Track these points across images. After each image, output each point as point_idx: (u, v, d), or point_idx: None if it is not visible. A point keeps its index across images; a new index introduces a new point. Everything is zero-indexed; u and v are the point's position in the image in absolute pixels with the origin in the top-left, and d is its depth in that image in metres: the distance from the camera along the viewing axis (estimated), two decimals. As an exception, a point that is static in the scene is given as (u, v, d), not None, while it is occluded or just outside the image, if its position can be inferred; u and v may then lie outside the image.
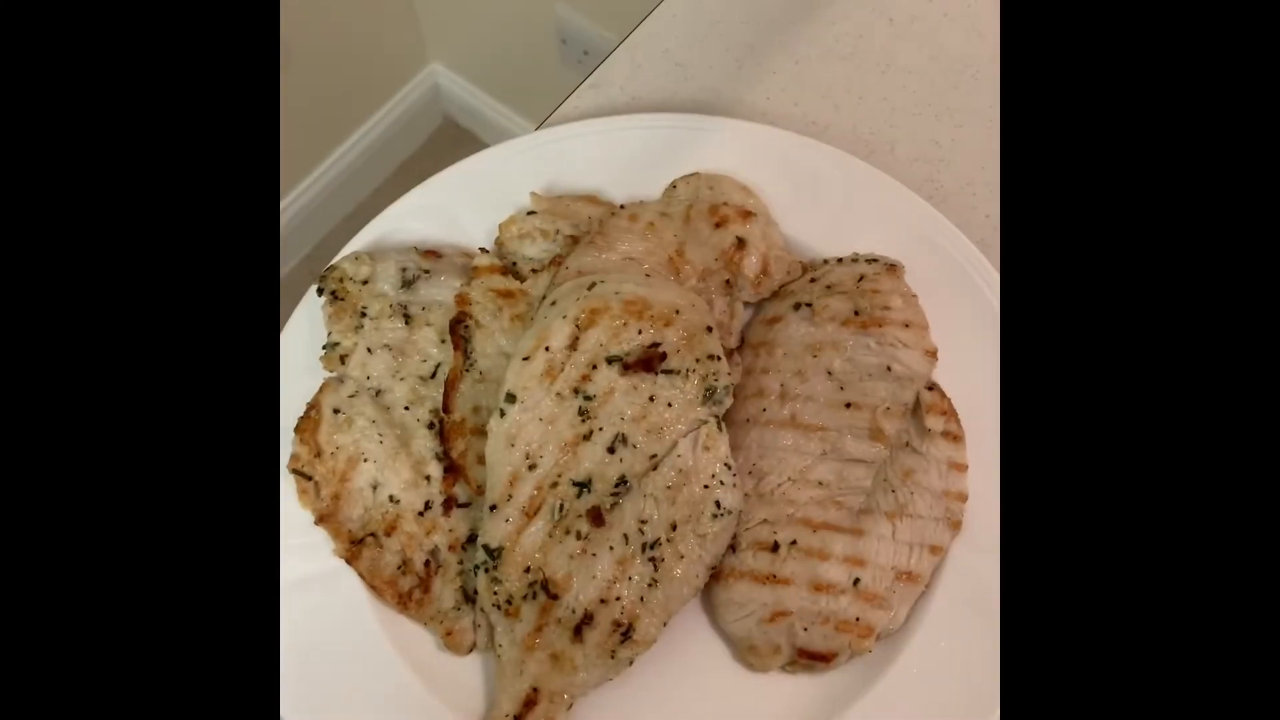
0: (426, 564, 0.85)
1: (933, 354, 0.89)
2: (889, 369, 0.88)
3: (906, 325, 0.90)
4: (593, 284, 0.87)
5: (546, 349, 0.84)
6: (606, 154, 1.02)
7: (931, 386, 0.89)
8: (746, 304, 0.96)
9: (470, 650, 0.84)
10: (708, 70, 1.13)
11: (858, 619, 0.80)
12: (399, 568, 0.85)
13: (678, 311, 0.86)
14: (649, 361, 0.84)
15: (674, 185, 0.99)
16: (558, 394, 0.83)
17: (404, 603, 0.84)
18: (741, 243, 0.94)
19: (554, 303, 0.87)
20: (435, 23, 2.30)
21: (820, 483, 0.86)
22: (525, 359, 0.84)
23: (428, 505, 0.86)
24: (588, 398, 0.83)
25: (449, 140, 2.48)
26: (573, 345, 0.84)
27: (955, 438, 0.86)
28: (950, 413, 0.87)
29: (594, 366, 0.84)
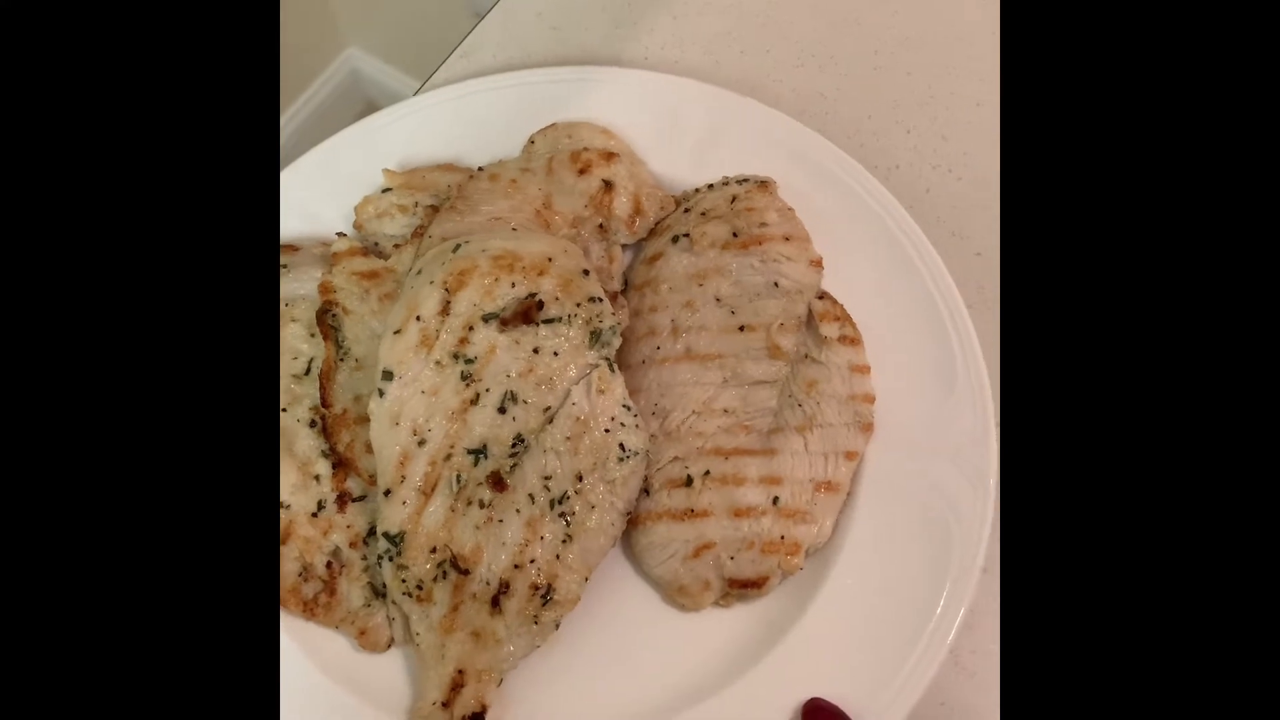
0: (329, 566, 0.80)
1: (817, 263, 0.87)
2: (776, 285, 0.86)
3: (787, 239, 0.88)
4: (457, 245, 0.83)
5: (418, 318, 0.80)
6: (461, 121, 0.98)
7: (821, 295, 0.87)
8: (625, 246, 0.92)
9: (389, 646, 0.79)
10: (584, 31, 1.10)
11: (783, 537, 0.78)
12: (299, 575, 0.79)
13: (550, 259, 0.82)
14: (527, 313, 0.80)
15: (532, 140, 0.96)
16: (436, 362, 0.79)
17: (310, 610, 0.79)
18: (609, 185, 0.91)
19: (419, 271, 0.83)
20: (348, 6, 2.26)
21: (726, 410, 0.83)
22: (397, 332, 0.80)
23: (320, 505, 0.81)
24: (469, 361, 0.79)
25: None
26: (444, 310, 0.80)
27: (852, 341, 0.84)
28: (844, 317, 0.85)
29: (470, 328, 0.80)
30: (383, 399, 0.79)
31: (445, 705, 0.73)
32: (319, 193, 0.94)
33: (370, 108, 1.00)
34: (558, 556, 0.76)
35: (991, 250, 0.94)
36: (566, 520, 0.76)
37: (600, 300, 0.81)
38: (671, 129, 0.96)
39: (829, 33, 1.07)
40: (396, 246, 0.89)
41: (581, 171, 0.91)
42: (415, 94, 1.04)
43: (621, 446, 0.78)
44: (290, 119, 2.30)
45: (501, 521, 0.76)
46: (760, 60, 1.06)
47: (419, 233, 0.89)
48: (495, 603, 0.75)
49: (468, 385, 0.79)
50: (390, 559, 0.77)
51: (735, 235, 0.88)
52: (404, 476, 0.77)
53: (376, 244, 0.91)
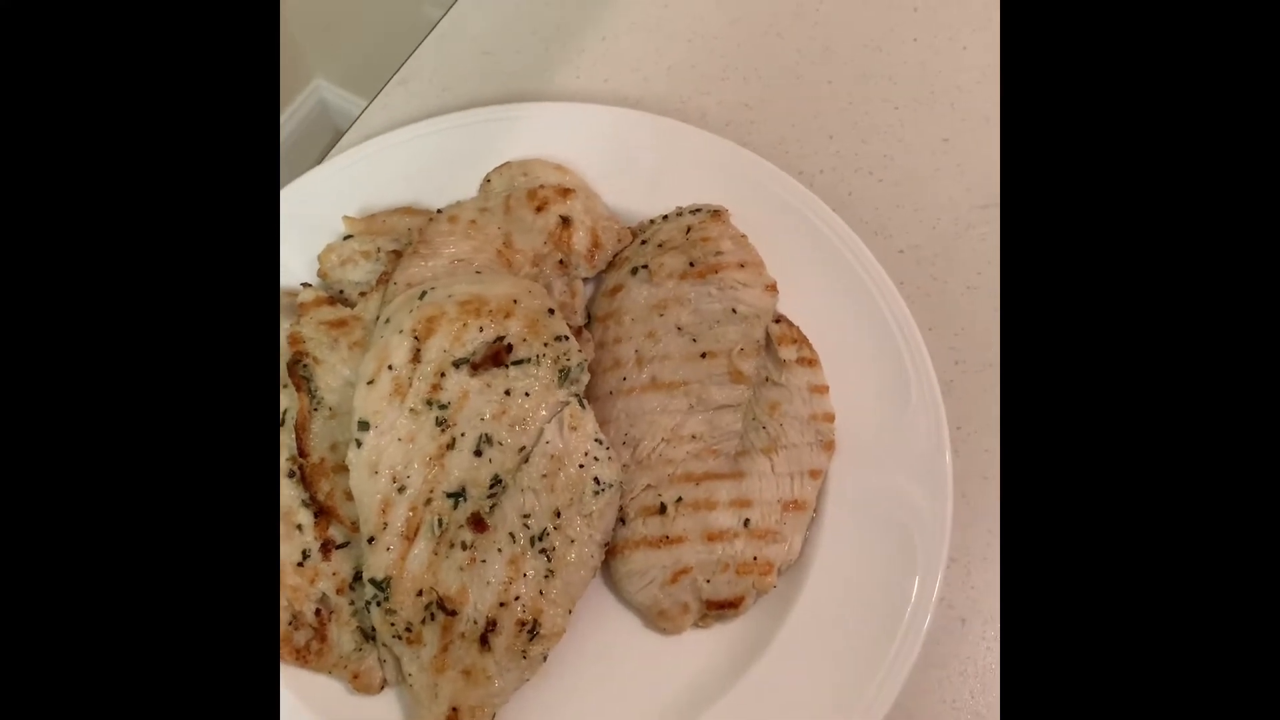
0: (318, 613, 0.82)
1: (772, 288, 0.91)
2: (734, 311, 0.89)
3: (742, 265, 0.91)
4: (423, 293, 0.85)
5: (390, 367, 0.82)
6: (416, 162, 1.00)
7: (778, 319, 0.90)
8: (585, 280, 0.95)
9: (382, 688, 0.81)
10: (515, 55, 1.12)
11: (755, 558, 0.81)
12: (290, 623, 0.81)
13: (516, 301, 0.85)
14: (496, 356, 0.82)
15: (488, 179, 0.98)
16: (411, 410, 0.81)
17: (303, 657, 0.81)
18: (566, 221, 0.93)
19: (388, 320, 0.85)
20: (313, 37, 2.26)
21: (693, 436, 0.86)
22: (370, 383, 0.82)
23: (305, 554, 0.83)
24: (442, 406, 0.81)
25: (341, 156, 2.44)
26: (415, 358, 0.82)
27: (810, 362, 0.88)
28: (801, 339, 0.89)
29: (442, 374, 0.82)
30: (360, 449, 0.81)
31: (442, 743, 0.76)
32: (280, 242, 0.95)
33: (338, 137, 1.02)
34: (541, 592, 0.79)
35: (912, 247, 0.98)
36: (547, 556, 0.79)
37: (567, 338, 0.84)
38: (622, 160, 0.99)
39: (751, 46, 1.11)
40: (362, 294, 0.90)
41: (539, 209, 0.94)
42: (350, 125, 1.05)
43: (596, 480, 0.81)
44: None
45: (484, 561, 0.79)
46: (686, 75, 1.09)
47: (384, 279, 0.90)
48: (484, 640, 0.78)
49: (443, 430, 0.81)
50: (379, 604, 0.79)
51: (692, 265, 0.91)
52: (386, 523, 0.80)
53: (342, 291, 0.92)
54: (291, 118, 2.38)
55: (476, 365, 0.82)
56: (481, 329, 0.83)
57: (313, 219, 0.96)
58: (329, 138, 2.50)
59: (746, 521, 0.82)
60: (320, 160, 1.01)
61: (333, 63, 2.36)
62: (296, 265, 0.95)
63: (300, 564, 0.83)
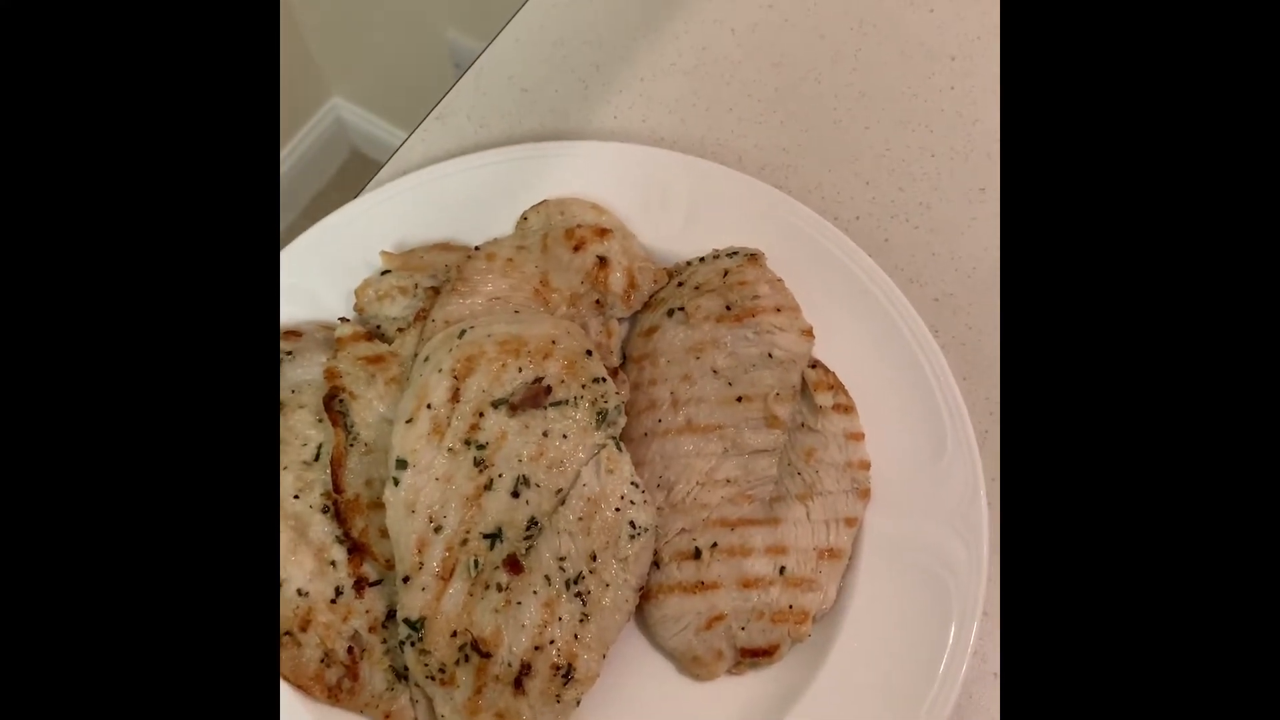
0: (350, 650, 0.82)
1: (809, 333, 0.91)
2: (770, 355, 0.89)
3: (778, 310, 0.91)
4: (463, 331, 0.85)
5: (429, 406, 0.82)
6: (453, 198, 1.01)
7: (814, 364, 0.90)
8: (621, 320, 0.95)
9: (413, 729, 0.81)
10: (554, 94, 1.12)
11: (791, 606, 0.81)
12: (321, 660, 0.81)
13: (554, 342, 0.85)
14: (535, 397, 0.83)
15: (525, 217, 0.98)
16: (449, 449, 0.81)
17: (334, 695, 0.81)
18: (603, 261, 0.94)
19: (426, 358, 0.85)
20: (332, 57, 2.31)
21: (728, 480, 0.86)
22: (409, 421, 0.82)
23: (339, 591, 0.83)
24: (480, 447, 0.81)
25: (357, 173, 2.49)
26: (454, 397, 0.82)
27: (846, 409, 0.88)
28: (837, 385, 0.89)
29: (480, 414, 0.82)
30: (398, 487, 0.81)
31: (474, 787, 0.76)
32: (317, 276, 0.96)
33: (355, 155, 1.03)
34: (576, 636, 0.78)
35: (947, 295, 0.99)
36: (582, 600, 0.79)
37: (604, 380, 0.84)
38: (658, 201, 0.99)
39: (789, 90, 1.12)
40: (400, 330, 0.91)
41: (576, 248, 0.94)
42: (389, 160, 1.06)
43: (632, 524, 0.81)
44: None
45: (520, 604, 0.79)
46: (724, 118, 1.10)
47: (421, 315, 0.91)
48: (518, 684, 0.77)
49: (481, 471, 0.81)
50: (412, 644, 0.79)
51: (729, 308, 0.91)
52: (422, 563, 0.79)
53: (379, 326, 0.92)
54: (309, 135, 2.41)
55: (515, 406, 0.82)
56: (521, 369, 0.83)
57: (350, 254, 0.96)
58: (345, 155, 2.53)
59: (782, 569, 0.82)
60: (335, 177, 1.02)
61: (350, 81, 2.40)
62: (333, 300, 0.95)
63: (333, 601, 0.82)
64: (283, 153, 2.35)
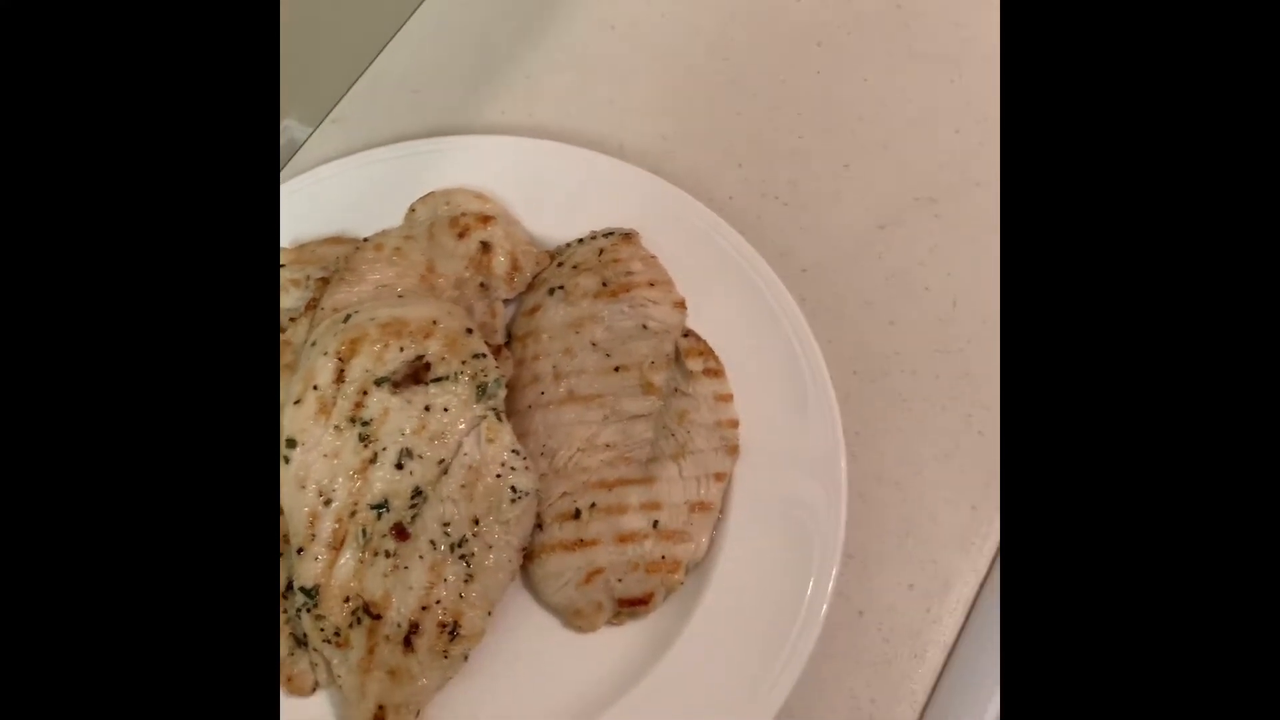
0: (250, 623, 0.86)
1: (681, 305, 0.97)
2: (645, 327, 0.95)
3: (651, 284, 0.97)
4: (348, 316, 0.90)
5: (315, 388, 0.87)
6: (345, 195, 1.05)
7: (687, 333, 0.96)
8: (506, 301, 1.01)
9: (314, 690, 0.85)
10: (443, 93, 1.18)
11: (664, 557, 0.87)
12: (223, 634, 0.85)
13: (435, 322, 0.90)
14: (416, 375, 0.88)
15: (413, 209, 1.03)
16: (335, 427, 0.86)
17: (236, 666, 0.85)
18: (487, 246, 0.99)
19: (314, 343, 0.90)
20: (285, 77, 2.29)
21: (608, 445, 0.92)
22: (297, 402, 0.87)
23: (238, 567, 0.87)
24: (365, 423, 0.86)
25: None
26: (339, 378, 0.87)
27: (716, 373, 0.94)
28: (707, 351, 0.95)
29: (364, 393, 0.87)
30: (289, 465, 0.85)
31: (368, 740, 0.81)
32: (215, 272, 1.00)
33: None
34: (461, 595, 0.84)
35: (815, 265, 1.05)
36: (467, 561, 0.84)
37: (484, 356, 0.89)
38: (540, 188, 1.05)
39: (667, 81, 1.18)
40: (292, 320, 0.95)
41: (461, 235, 0.99)
42: (285, 164, 1.11)
43: (513, 489, 0.86)
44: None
45: (407, 568, 0.84)
46: (605, 110, 1.16)
47: (312, 305, 0.95)
48: (407, 642, 0.82)
49: (366, 446, 0.86)
50: (308, 610, 0.83)
51: (605, 284, 0.97)
52: (314, 534, 0.84)
53: (273, 318, 0.97)
54: None
55: (398, 383, 0.87)
56: (402, 349, 0.88)
57: (246, 250, 1.01)
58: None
59: (656, 523, 0.88)
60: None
61: (303, 103, 2.41)
62: (230, 294, 0.99)
63: (233, 576, 0.87)
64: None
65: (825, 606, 0.85)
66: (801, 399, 0.93)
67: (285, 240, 1.02)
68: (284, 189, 1.05)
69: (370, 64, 1.20)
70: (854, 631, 0.89)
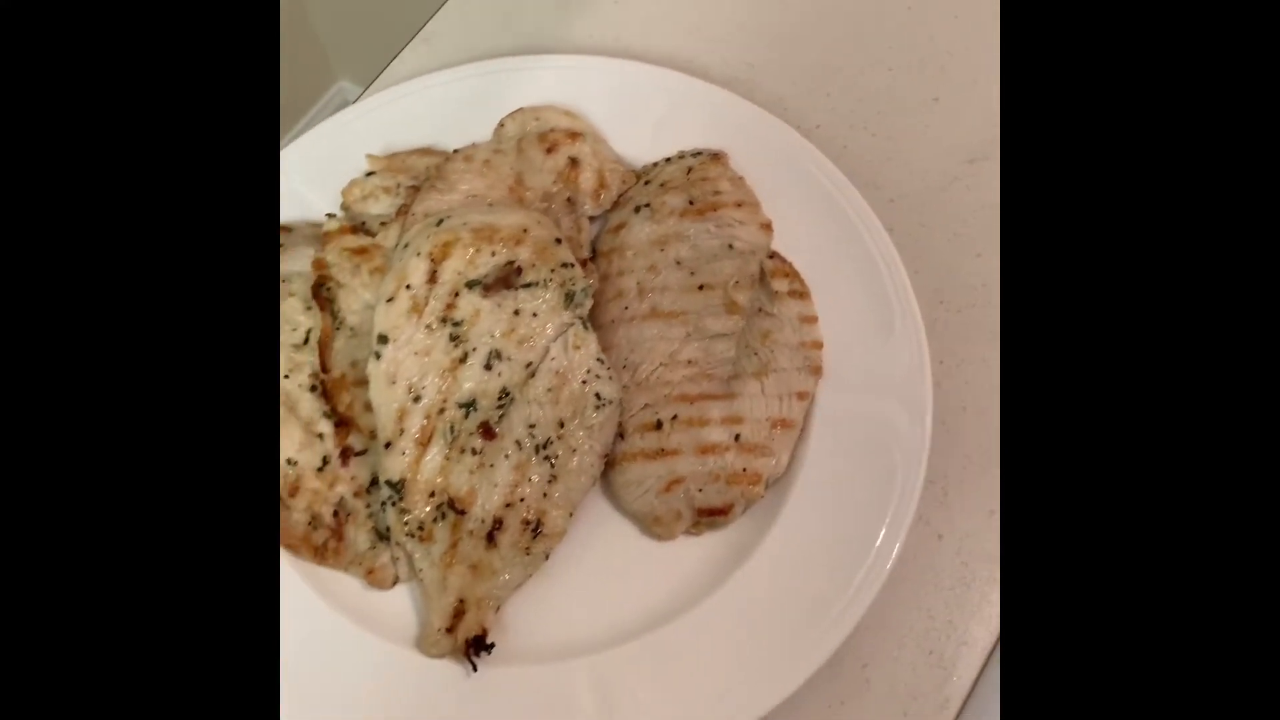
0: (335, 514, 0.88)
1: (768, 227, 0.96)
2: (731, 247, 0.95)
3: (739, 205, 0.97)
4: (440, 220, 0.91)
5: (408, 287, 0.88)
6: (435, 108, 1.06)
7: (772, 254, 0.96)
8: (592, 218, 1.01)
9: (395, 583, 0.87)
10: (534, 13, 1.18)
11: (744, 470, 0.87)
12: (309, 524, 0.87)
13: (525, 230, 0.91)
14: (507, 279, 0.88)
15: (502, 124, 1.04)
16: (427, 326, 0.87)
17: (320, 555, 0.87)
18: (575, 162, 0.99)
19: (406, 245, 0.91)
20: (337, 40, 2.35)
21: (690, 361, 0.92)
22: (389, 300, 0.88)
23: (325, 460, 0.89)
24: (456, 324, 0.87)
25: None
26: (432, 279, 0.88)
27: (801, 295, 0.94)
28: (793, 274, 0.95)
29: (456, 294, 0.88)
30: (379, 361, 0.87)
31: (449, 631, 0.82)
32: (307, 180, 1.02)
33: None
34: (545, 495, 0.85)
35: (902, 197, 1.04)
36: (551, 463, 0.85)
37: (572, 265, 0.90)
38: (629, 109, 1.05)
39: (754, 9, 1.17)
40: (383, 224, 0.96)
41: (549, 150, 1.00)
42: (376, 78, 1.12)
43: (597, 396, 0.87)
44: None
45: (493, 466, 0.85)
46: (693, 35, 1.16)
47: (403, 211, 0.97)
48: (490, 538, 0.83)
49: (456, 346, 0.87)
50: (393, 504, 0.85)
51: (692, 203, 0.97)
52: (403, 430, 0.86)
53: (364, 223, 0.98)
54: (315, 119, 2.46)
55: (488, 287, 0.88)
56: (493, 254, 0.89)
57: (338, 158, 1.02)
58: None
59: (737, 436, 0.88)
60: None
61: (356, 65, 2.44)
62: (322, 201, 1.01)
63: (320, 469, 0.89)
64: (287, 137, 2.41)
65: (905, 529, 0.84)
66: (888, 324, 0.92)
67: (376, 149, 1.03)
68: (376, 100, 1.06)
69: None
70: (933, 554, 0.89)
